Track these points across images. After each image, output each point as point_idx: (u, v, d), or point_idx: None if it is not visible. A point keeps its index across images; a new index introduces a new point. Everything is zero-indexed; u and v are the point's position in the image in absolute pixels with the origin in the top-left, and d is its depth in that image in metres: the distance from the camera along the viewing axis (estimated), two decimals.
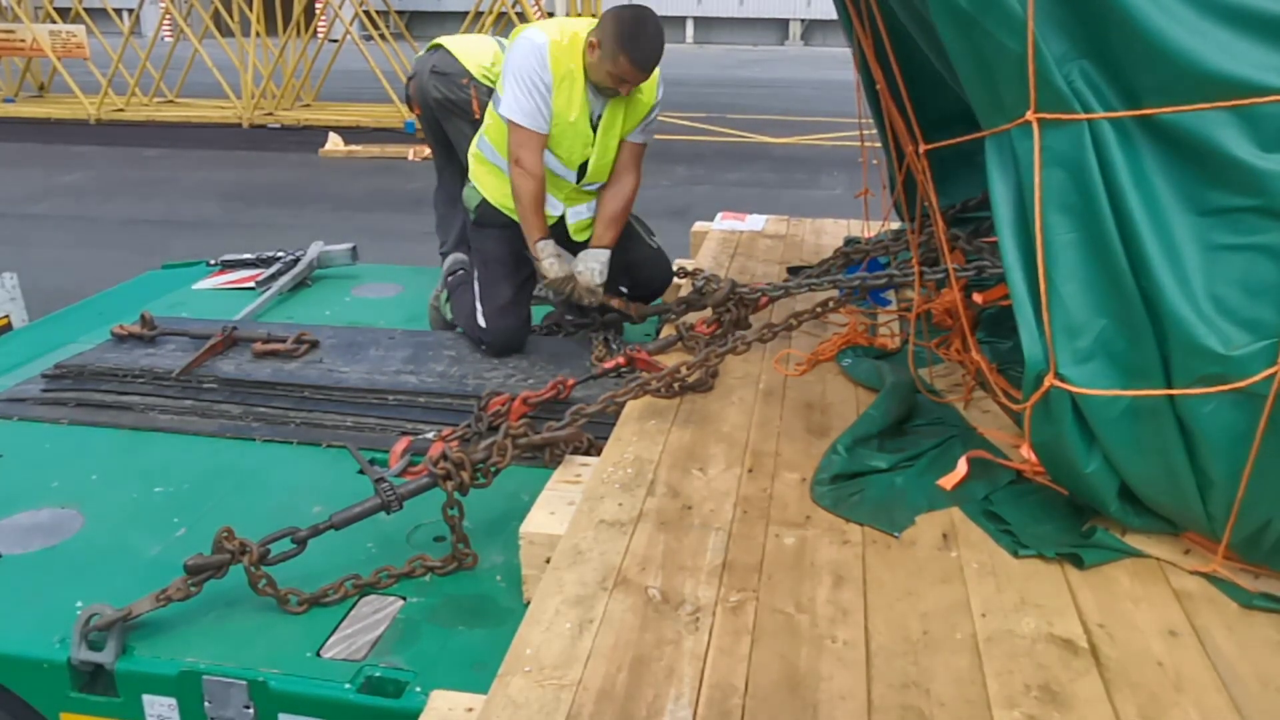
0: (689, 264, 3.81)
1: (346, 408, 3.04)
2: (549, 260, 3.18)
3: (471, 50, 4.06)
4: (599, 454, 2.39)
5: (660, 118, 3.39)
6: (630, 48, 2.94)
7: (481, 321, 3.36)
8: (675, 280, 3.68)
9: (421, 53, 4.23)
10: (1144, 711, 1.53)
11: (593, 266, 3.20)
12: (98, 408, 3.08)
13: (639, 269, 3.50)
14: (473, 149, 3.39)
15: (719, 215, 4.61)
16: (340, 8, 14.27)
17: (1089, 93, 1.77)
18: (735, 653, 1.66)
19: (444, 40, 4.23)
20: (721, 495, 2.15)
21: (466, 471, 2.24)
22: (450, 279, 3.71)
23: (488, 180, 3.32)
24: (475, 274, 3.43)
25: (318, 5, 14.90)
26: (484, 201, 3.33)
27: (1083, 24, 1.75)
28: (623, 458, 2.31)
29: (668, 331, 3.16)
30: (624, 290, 3.48)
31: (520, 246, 3.29)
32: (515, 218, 3.25)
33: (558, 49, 3.02)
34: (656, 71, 3.11)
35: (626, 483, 2.20)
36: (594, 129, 3.16)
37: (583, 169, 3.23)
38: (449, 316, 3.69)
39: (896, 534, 2.01)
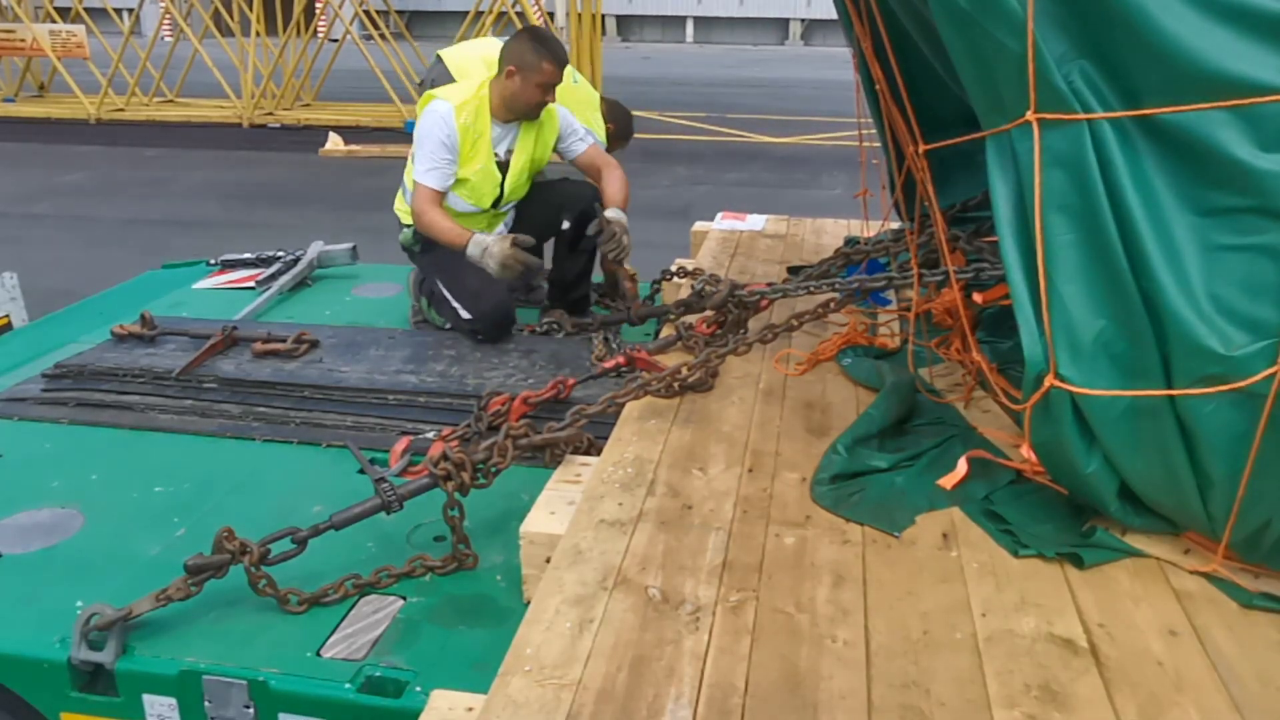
0: (689, 264, 3.81)
1: (346, 407, 3.04)
2: (488, 243, 3.36)
3: (466, 65, 4.09)
4: (599, 454, 2.39)
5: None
6: (545, 52, 3.32)
7: (465, 314, 3.49)
8: (675, 280, 3.69)
9: (430, 62, 4.28)
10: (1144, 711, 1.53)
11: (620, 219, 3.48)
12: (98, 407, 3.08)
13: (563, 197, 3.76)
14: (400, 202, 3.71)
15: (719, 215, 4.61)
16: (340, 7, 14.28)
17: (1089, 93, 1.77)
18: (735, 652, 1.66)
19: (443, 53, 4.25)
20: (721, 495, 2.16)
21: (467, 472, 2.24)
22: (423, 287, 3.78)
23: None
24: (440, 285, 3.56)
25: (318, 5, 14.90)
26: (414, 230, 3.60)
27: (1083, 24, 1.75)
28: (623, 457, 2.31)
29: (668, 332, 3.16)
30: (564, 226, 3.71)
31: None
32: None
33: (462, 110, 3.37)
34: (553, 106, 3.51)
35: (627, 482, 2.20)
36: (502, 167, 3.53)
37: (496, 200, 3.60)
38: (437, 321, 3.72)
39: (897, 534, 2.01)
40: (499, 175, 3.53)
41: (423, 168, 3.40)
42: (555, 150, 3.67)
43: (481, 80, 3.46)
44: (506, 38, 3.58)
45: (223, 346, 3.40)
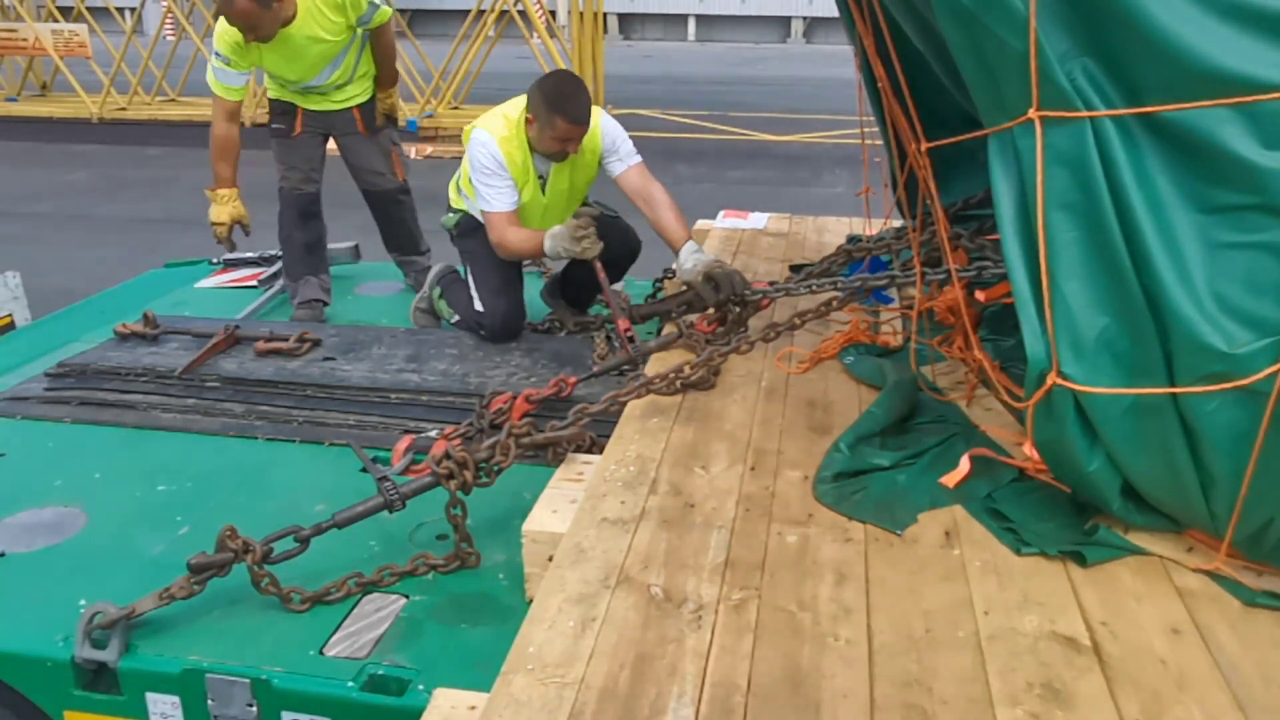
0: None
1: (349, 406, 3.05)
2: (555, 231, 3.26)
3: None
4: (601, 452, 2.39)
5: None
6: (561, 110, 3.20)
7: (479, 306, 3.51)
8: (676, 279, 3.68)
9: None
10: (1146, 709, 1.53)
11: (698, 258, 3.19)
12: (100, 406, 3.08)
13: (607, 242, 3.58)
14: (452, 190, 3.65)
15: (721, 213, 4.60)
16: None
17: (1091, 90, 1.76)
18: (738, 651, 1.66)
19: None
20: (724, 493, 2.15)
21: (469, 470, 2.24)
22: (442, 280, 3.82)
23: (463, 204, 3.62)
24: (467, 270, 3.60)
25: None
26: (464, 215, 3.59)
27: (1085, 21, 1.75)
28: (625, 456, 2.31)
29: (669, 330, 3.16)
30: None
31: None
32: None
33: (506, 143, 3.32)
34: (596, 123, 3.35)
35: (629, 481, 2.20)
36: (543, 193, 3.47)
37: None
38: (444, 312, 3.73)
39: (899, 532, 2.01)
40: (544, 200, 3.49)
41: (487, 197, 3.35)
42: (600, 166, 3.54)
43: (521, 112, 3.35)
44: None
45: (225, 346, 3.40)
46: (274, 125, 4.06)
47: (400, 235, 4.33)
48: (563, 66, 11.85)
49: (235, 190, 3.90)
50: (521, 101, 3.35)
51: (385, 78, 4.17)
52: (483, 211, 3.40)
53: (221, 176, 3.88)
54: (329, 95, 4.02)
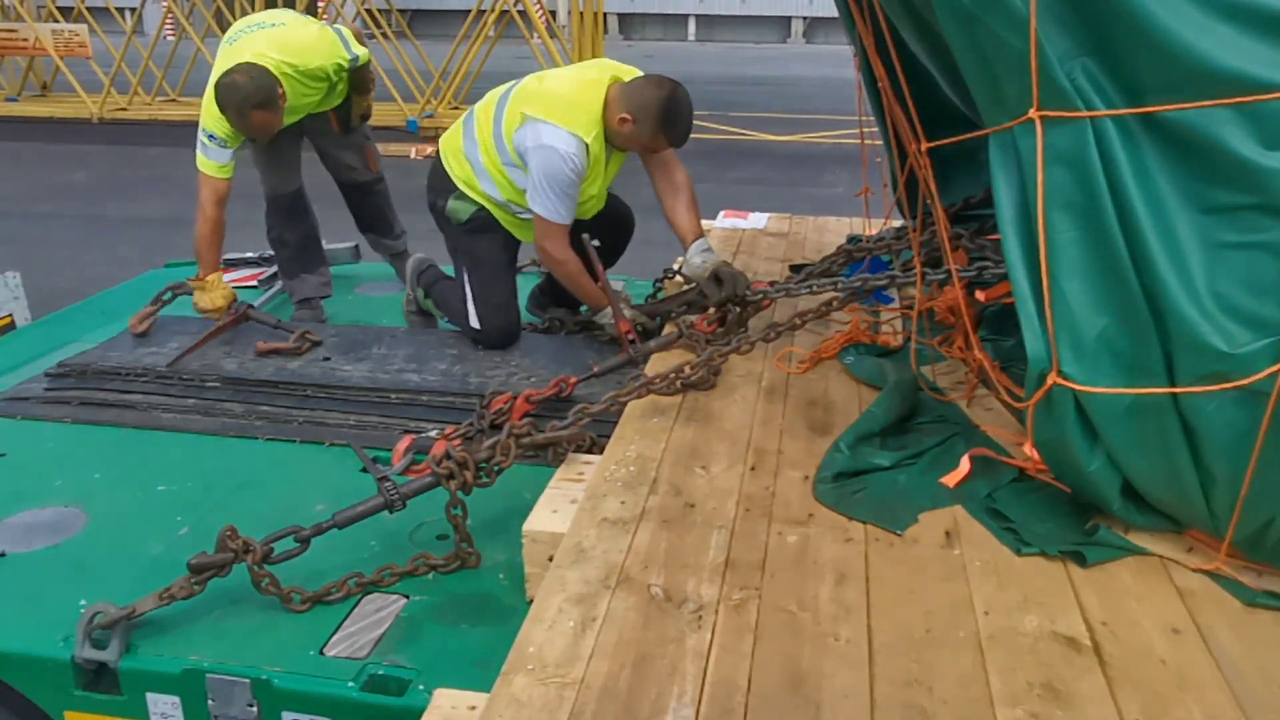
0: None
1: (349, 406, 3.05)
2: (626, 313, 3.20)
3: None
4: (601, 452, 2.39)
5: None
6: (670, 132, 3.05)
7: (475, 323, 3.39)
8: (677, 279, 3.68)
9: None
10: (1147, 709, 1.53)
11: (708, 256, 3.17)
12: (101, 406, 3.08)
13: (607, 218, 3.52)
14: (461, 169, 3.35)
15: (721, 213, 4.60)
16: (342, 6, 14.26)
17: (1091, 90, 1.76)
18: (738, 650, 1.66)
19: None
20: (724, 493, 2.15)
21: (470, 470, 2.24)
22: (422, 278, 3.71)
23: (487, 202, 3.33)
24: (465, 275, 3.42)
25: (319, 4, 14.89)
26: (480, 210, 3.34)
27: (1085, 21, 1.75)
28: (625, 456, 2.31)
29: (669, 329, 3.16)
30: (597, 244, 3.46)
31: (509, 241, 3.40)
32: (511, 230, 3.36)
33: (594, 142, 3.08)
34: None
35: (629, 481, 2.20)
36: (601, 178, 3.28)
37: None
38: (436, 312, 3.70)
39: (899, 532, 2.01)
40: (599, 187, 3.32)
41: (554, 208, 3.11)
42: None
43: (598, 101, 3.10)
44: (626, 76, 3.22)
45: (235, 325, 3.38)
46: None
47: (374, 218, 4.27)
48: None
49: (220, 273, 3.75)
50: (574, 82, 3.12)
51: (362, 87, 4.05)
52: (538, 216, 3.16)
53: (210, 263, 3.70)
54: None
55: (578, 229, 3.21)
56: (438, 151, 3.48)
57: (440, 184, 3.42)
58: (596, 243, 3.14)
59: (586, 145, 3.05)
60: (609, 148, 3.20)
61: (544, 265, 3.23)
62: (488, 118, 3.28)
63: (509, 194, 3.28)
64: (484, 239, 3.39)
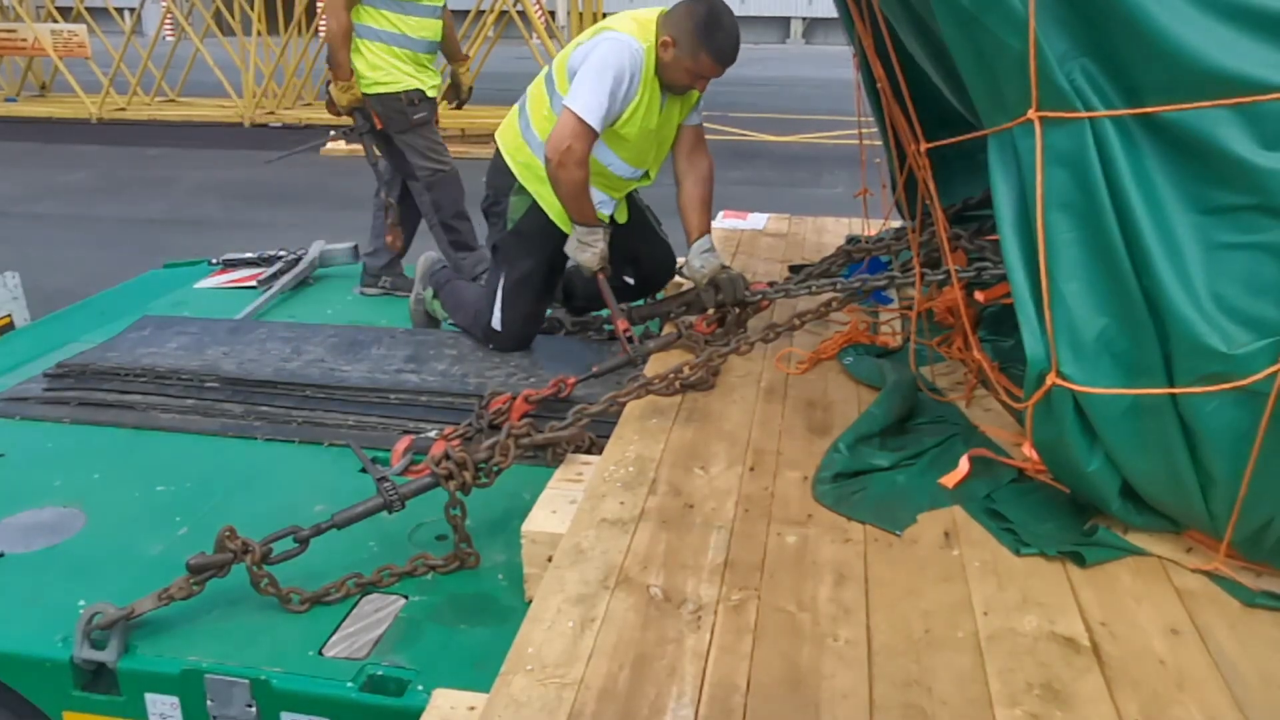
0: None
1: (348, 406, 3.04)
2: (597, 251, 3.07)
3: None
4: (600, 453, 2.39)
5: None
6: (709, 43, 2.86)
7: (497, 324, 3.33)
8: (677, 279, 3.68)
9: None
10: (1146, 710, 1.53)
11: (708, 260, 3.07)
12: (100, 407, 3.08)
13: (646, 261, 3.50)
14: (522, 156, 3.20)
15: (721, 214, 4.60)
16: None
17: (1090, 91, 1.77)
18: (737, 651, 1.66)
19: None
20: (723, 494, 2.15)
21: (469, 471, 2.24)
22: (433, 277, 3.69)
23: (542, 189, 3.18)
24: (501, 275, 3.31)
25: (319, 4, 14.89)
26: (534, 207, 3.19)
27: (1084, 22, 1.75)
28: (624, 456, 2.31)
29: (668, 330, 3.16)
30: (628, 281, 3.47)
31: (556, 256, 3.22)
32: (563, 226, 3.16)
33: (650, 55, 2.93)
34: None
35: (628, 481, 2.20)
36: (654, 123, 3.08)
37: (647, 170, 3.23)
38: (439, 314, 3.69)
39: (898, 532, 2.01)
40: (653, 130, 3.07)
41: (588, 99, 2.84)
42: None
43: (650, 28, 2.94)
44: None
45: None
46: (416, 115, 4.09)
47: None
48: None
49: (354, 80, 4.04)
50: (643, 11, 2.96)
51: (455, 52, 4.45)
52: (566, 107, 2.88)
53: (343, 65, 4.01)
54: (432, 72, 4.21)
55: (614, 245, 3.13)
56: (496, 149, 3.32)
57: (500, 180, 3.28)
58: (630, 280, 3.17)
59: (645, 50, 2.90)
60: (661, 89, 3.00)
61: (554, 168, 2.94)
62: (540, 90, 3.16)
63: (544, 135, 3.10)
64: (531, 243, 3.24)
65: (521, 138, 3.21)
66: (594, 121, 2.87)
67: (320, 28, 14.77)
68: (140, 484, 2.63)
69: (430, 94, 4.15)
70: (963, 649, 1.67)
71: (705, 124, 3.26)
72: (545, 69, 3.21)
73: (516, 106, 3.28)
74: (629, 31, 2.94)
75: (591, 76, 2.87)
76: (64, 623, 2.03)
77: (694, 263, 3.13)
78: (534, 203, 3.20)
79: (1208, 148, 1.69)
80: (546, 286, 3.38)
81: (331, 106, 4.13)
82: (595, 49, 2.93)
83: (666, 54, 2.91)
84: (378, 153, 4.23)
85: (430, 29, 4.10)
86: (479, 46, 12.57)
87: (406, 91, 4.06)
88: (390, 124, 4.10)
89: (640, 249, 3.45)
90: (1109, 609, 1.77)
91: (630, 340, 3.09)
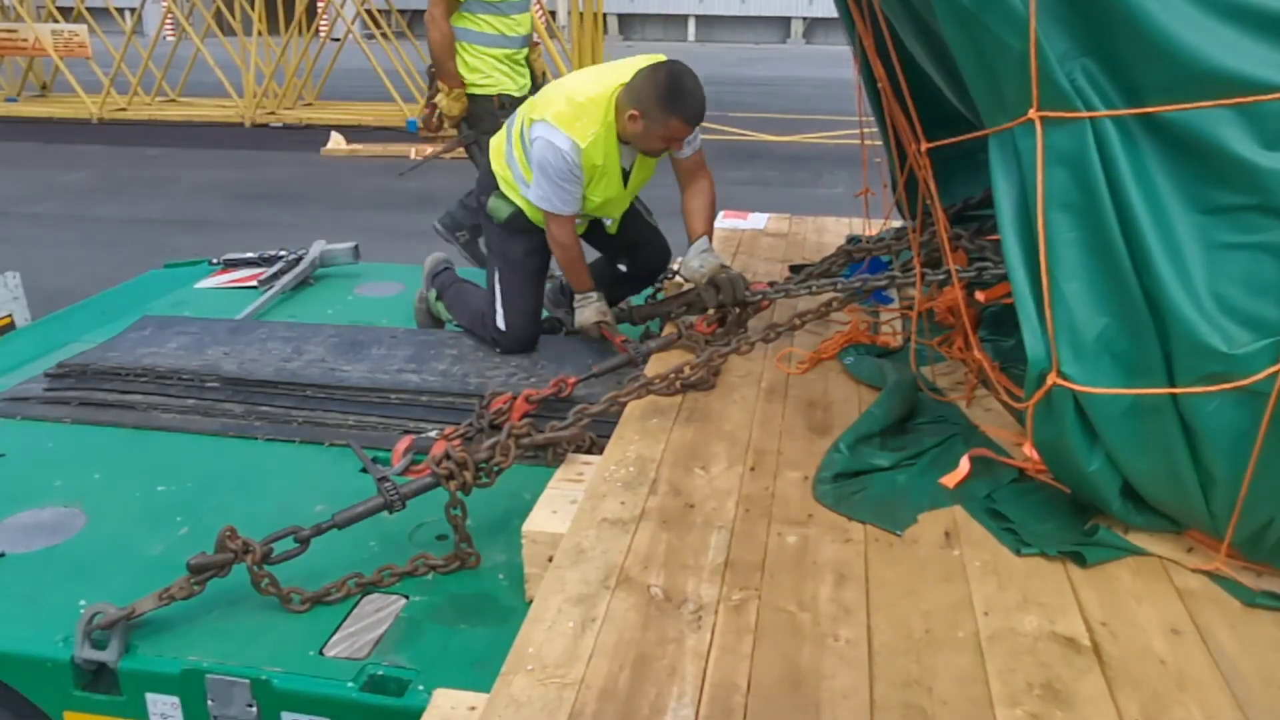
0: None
1: (349, 406, 3.05)
2: (593, 308, 3.24)
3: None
4: (601, 453, 2.39)
5: None
6: (678, 108, 2.92)
7: (501, 325, 3.35)
8: (677, 279, 3.68)
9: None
10: (1146, 710, 1.53)
11: (707, 260, 3.10)
12: (100, 406, 3.08)
13: (640, 249, 3.56)
14: (501, 169, 3.33)
15: (721, 214, 4.59)
16: (342, 6, 14.26)
17: (1091, 91, 1.77)
18: (738, 651, 1.66)
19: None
20: (724, 494, 2.15)
21: (469, 471, 2.24)
22: (437, 279, 3.71)
23: (521, 200, 3.29)
24: (497, 276, 3.38)
25: (319, 4, 14.90)
26: (518, 211, 3.29)
27: (1085, 22, 1.75)
28: (625, 456, 2.31)
29: (669, 330, 3.16)
30: (622, 269, 3.53)
31: (545, 253, 3.36)
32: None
33: (591, 151, 3.00)
34: None
35: (629, 481, 2.20)
36: (625, 177, 3.19)
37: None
38: (443, 316, 3.69)
39: (899, 532, 2.01)
40: (624, 192, 3.24)
41: (552, 199, 3.08)
42: None
43: (606, 106, 2.99)
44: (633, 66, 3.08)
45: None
46: (505, 119, 4.07)
47: None
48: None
49: (463, 89, 4.23)
50: (591, 84, 3.04)
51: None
52: (544, 211, 3.15)
53: (454, 74, 4.19)
54: (523, 69, 4.33)
55: (607, 239, 3.35)
56: (488, 152, 3.51)
57: (486, 182, 3.43)
58: (623, 267, 3.22)
59: (580, 148, 2.99)
60: (629, 152, 3.11)
61: (550, 242, 3.22)
62: (519, 118, 3.25)
63: (523, 164, 3.24)
64: (519, 241, 3.34)
65: (504, 154, 3.32)
66: (560, 210, 3.11)
67: (321, 28, 14.80)
68: (141, 484, 2.63)
69: (518, 95, 4.22)
70: (963, 649, 1.67)
71: (705, 124, 3.25)
72: (514, 114, 3.30)
73: (507, 121, 3.38)
74: (562, 124, 2.99)
75: (539, 176, 3.08)
76: (64, 623, 2.03)
77: (693, 262, 3.13)
78: (517, 209, 3.31)
79: (1208, 147, 1.69)
80: (539, 280, 3.44)
81: (429, 124, 4.23)
82: (534, 146, 3.07)
83: (636, 126, 2.96)
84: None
85: (524, 24, 4.19)
86: None
87: (499, 94, 4.17)
88: (479, 124, 4.18)
89: (634, 237, 3.52)
90: (1109, 609, 1.77)
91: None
